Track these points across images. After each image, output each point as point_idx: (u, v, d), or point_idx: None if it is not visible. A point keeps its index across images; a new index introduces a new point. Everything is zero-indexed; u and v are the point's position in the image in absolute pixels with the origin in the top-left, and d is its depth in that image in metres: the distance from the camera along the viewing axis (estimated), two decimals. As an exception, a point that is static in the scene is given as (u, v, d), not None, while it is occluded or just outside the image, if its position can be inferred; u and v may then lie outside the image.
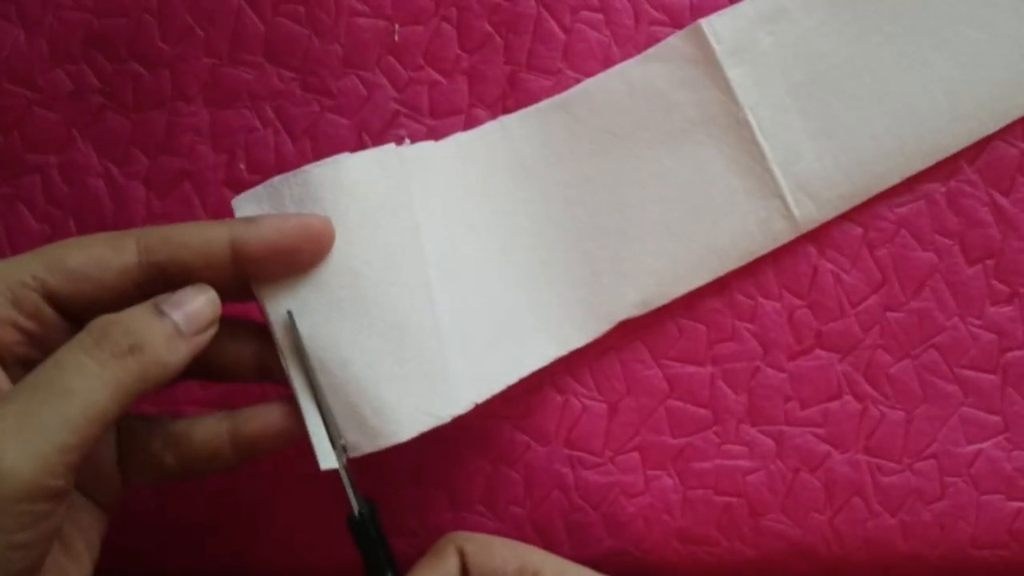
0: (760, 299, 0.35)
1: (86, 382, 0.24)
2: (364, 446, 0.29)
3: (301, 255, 0.28)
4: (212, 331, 0.28)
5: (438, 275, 0.31)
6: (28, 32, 0.38)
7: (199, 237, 0.28)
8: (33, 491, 0.23)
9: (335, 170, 0.29)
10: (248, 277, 0.29)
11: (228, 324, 0.29)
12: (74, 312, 0.27)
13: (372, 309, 0.29)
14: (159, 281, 0.28)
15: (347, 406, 0.29)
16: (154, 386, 0.26)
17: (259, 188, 0.30)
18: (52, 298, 0.27)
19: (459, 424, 0.36)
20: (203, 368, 0.29)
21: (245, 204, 0.30)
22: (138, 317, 0.26)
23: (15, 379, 0.26)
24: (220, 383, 0.31)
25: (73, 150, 0.38)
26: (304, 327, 0.29)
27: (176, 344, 0.26)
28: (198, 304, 0.27)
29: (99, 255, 0.27)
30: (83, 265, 0.27)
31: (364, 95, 0.37)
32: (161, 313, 0.26)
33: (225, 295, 0.29)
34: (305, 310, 0.29)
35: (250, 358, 0.30)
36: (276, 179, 0.29)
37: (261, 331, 0.30)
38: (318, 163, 0.29)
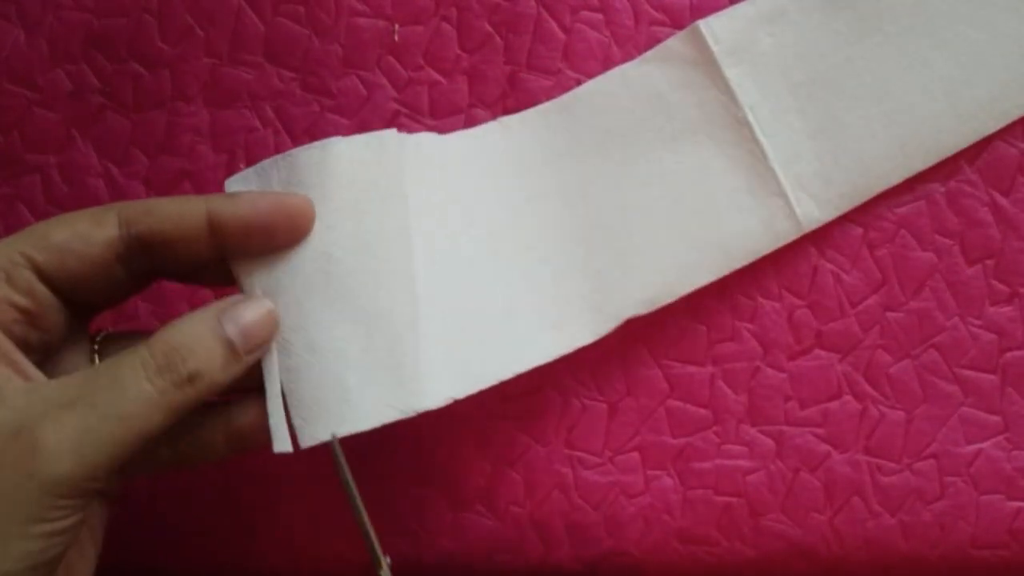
0: (760, 299, 0.35)
1: (145, 409, 0.26)
2: (322, 433, 0.29)
3: (277, 233, 0.29)
4: (264, 350, 0.29)
5: (429, 268, 0.31)
6: (28, 32, 0.38)
7: (177, 210, 0.28)
8: (81, 491, 0.25)
9: (322, 153, 0.29)
10: (227, 253, 0.29)
11: None
12: (62, 288, 0.28)
13: (345, 295, 0.29)
14: (141, 254, 0.28)
15: (310, 389, 0.29)
16: (201, 403, 0.27)
17: (249, 170, 0.30)
18: (41, 275, 0.27)
19: (459, 424, 0.36)
20: None
21: (234, 186, 0.30)
22: (201, 341, 0.27)
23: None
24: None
25: (73, 150, 0.38)
26: (276, 307, 0.29)
27: (231, 367, 0.27)
28: (256, 319, 0.28)
29: (82, 230, 0.27)
30: (68, 240, 0.27)
31: (364, 95, 0.37)
32: (220, 328, 0.27)
33: (206, 271, 0.29)
34: (278, 289, 0.29)
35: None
36: (266, 161, 0.30)
37: None
38: (307, 146, 0.29)
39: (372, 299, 0.29)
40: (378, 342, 0.29)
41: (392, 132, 0.31)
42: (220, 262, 0.29)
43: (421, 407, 0.30)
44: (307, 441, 0.29)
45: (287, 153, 0.29)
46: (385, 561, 0.30)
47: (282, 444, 0.29)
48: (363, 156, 0.30)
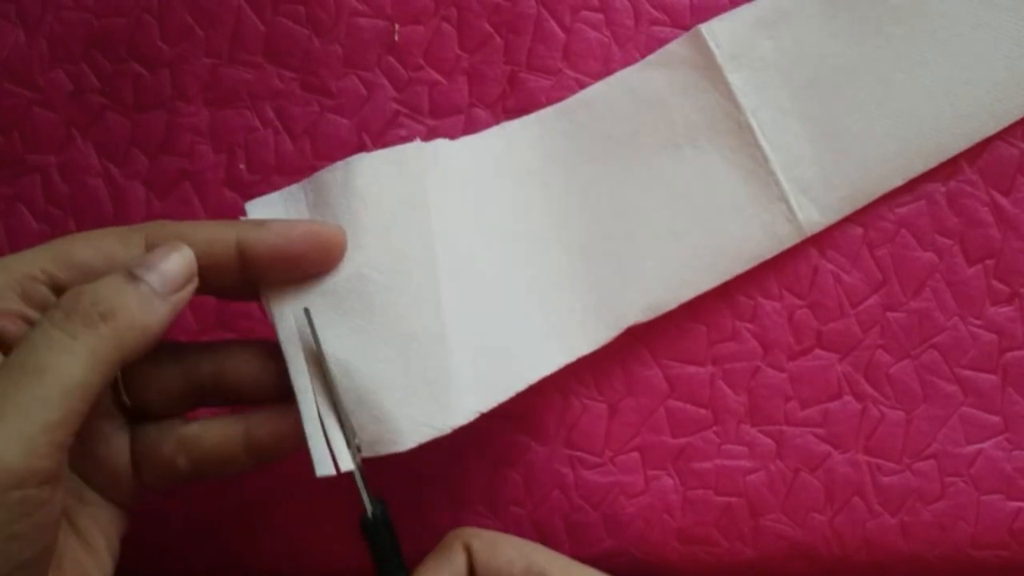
0: (760, 299, 0.35)
1: (59, 357, 0.24)
2: (363, 451, 0.29)
3: (308, 262, 0.28)
4: (191, 287, 0.27)
5: (450, 280, 0.31)
6: (28, 32, 0.38)
7: (205, 237, 0.27)
8: (23, 476, 0.23)
9: (346, 173, 0.29)
10: (254, 280, 0.29)
11: (250, 345, 0.29)
12: None
13: (379, 316, 0.29)
14: None
15: (348, 412, 0.29)
16: (135, 352, 0.25)
17: (274, 195, 0.30)
18: (60, 292, 0.26)
19: (459, 424, 0.36)
20: (222, 391, 0.29)
21: (257, 209, 0.30)
22: (108, 283, 0.25)
23: None
24: (239, 402, 0.30)
25: (73, 150, 0.38)
26: (310, 332, 0.29)
27: (152, 305, 0.26)
28: (172, 263, 0.26)
29: (107, 249, 0.27)
30: (91, 259, 0.26)
31: (364, 95, 0.37)
32: (134, 277, 0.26)
33: (233, 294, 0.29)
34: (311, 314, 0.29)
35: (271, 377, 0.29)
36: (292, 186, 0.29)
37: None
38: (331, 167, 0.29)
39: (404, 318, 0.29)
40: (413, 362, 0.29)
41: (415, 145, 0.30)
42: (244, 285, 0.29)
43: (456, 424, 0.30)
44: (346, 464, 0.29)
45: (312, 177, 0.29)
46: (355, 441, 0.29)
47: (324, 468, 0.28)
48: (387, 171, 0.29)
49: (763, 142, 0.34)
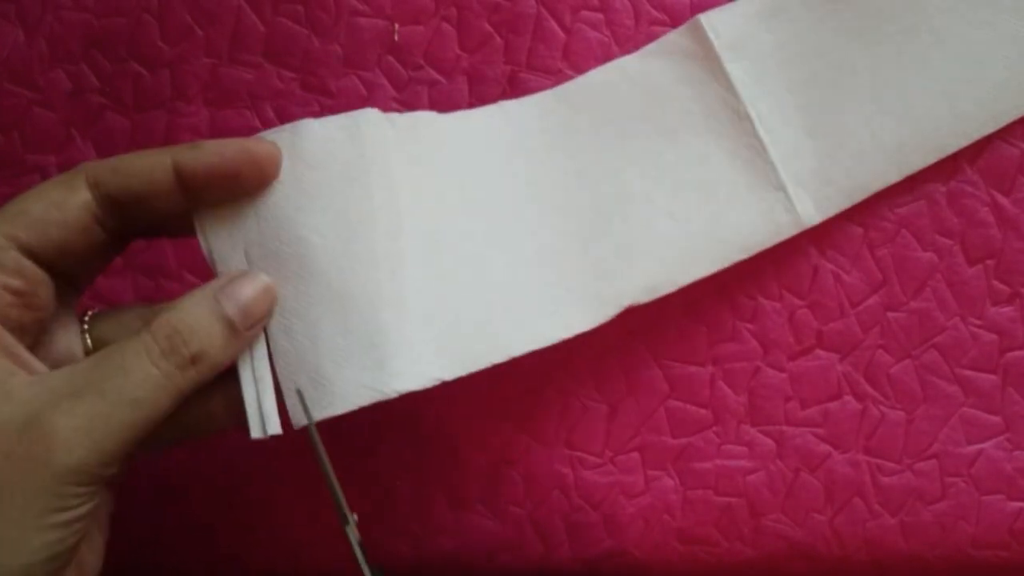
0: (760, 299, 0.35)
1: (153, 393, 0.26)
2: (298, 417, 0.29)
3: (244, 179, 0.29)
4: (263, 325, 0.29)
5: (424, 248, 0.31)
6: (28, 32, 0.38)
7: (143, 165, 0.28)
8: (94, 478, 0.26)
9: (292, 136, 0.29)
10: (194, 209, 0.29)
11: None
12: (49, 260, 0.28)
13: (318, 278, 0.29)
14: (115, 212, 0.28)
15: (286, 374, 0.29)
16: (204, 383, 0.28)
17: None
18: (27, 252, 0.27)
19: (459, 424, 0.36)
20: None
21: None
22: (202, 322, 0.27)
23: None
24: None
25: (73, 150, 0.38)
26: None
27: (231, 345, 0.28)
28: (254, 295, 0.28)
29: (57, 197, 0.27)
30: (44, 210, 0.27)
31: (364, 95, 0.37)
32: (219, 307, 0.28)
33: (178, 225, 0.29)
34: None
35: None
36: None
37: None
38: (277, 128, 0.29)
39: (347, 281, 0.29)
40: (354, 324, 0.29)
41: (372, 111, 0.30)
42: (188, 214, 0.29)
43: (403, 388, 0.29)
44: (273, 428, 0.29)
45: (256, 136, 0.29)
46: (352, 518, 0.29)
47: (258, 430, 0.29)
48: (335, 136, 0.30)
49: (762, 132, 0.34)
